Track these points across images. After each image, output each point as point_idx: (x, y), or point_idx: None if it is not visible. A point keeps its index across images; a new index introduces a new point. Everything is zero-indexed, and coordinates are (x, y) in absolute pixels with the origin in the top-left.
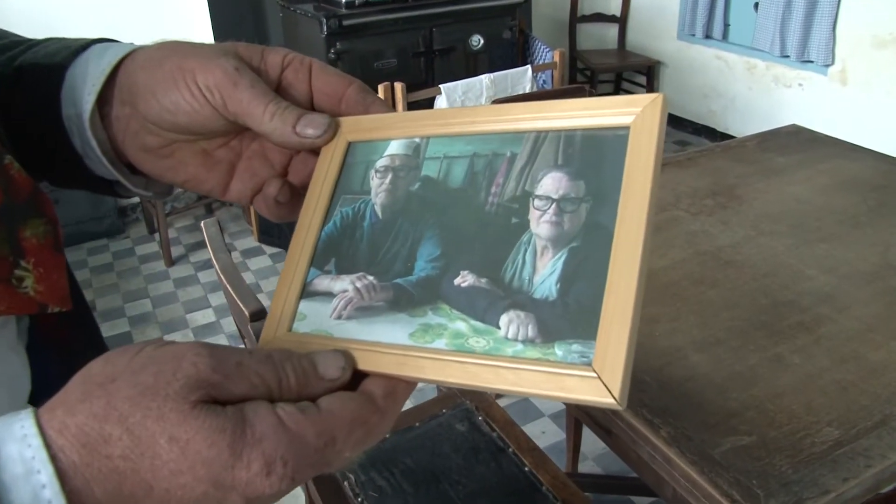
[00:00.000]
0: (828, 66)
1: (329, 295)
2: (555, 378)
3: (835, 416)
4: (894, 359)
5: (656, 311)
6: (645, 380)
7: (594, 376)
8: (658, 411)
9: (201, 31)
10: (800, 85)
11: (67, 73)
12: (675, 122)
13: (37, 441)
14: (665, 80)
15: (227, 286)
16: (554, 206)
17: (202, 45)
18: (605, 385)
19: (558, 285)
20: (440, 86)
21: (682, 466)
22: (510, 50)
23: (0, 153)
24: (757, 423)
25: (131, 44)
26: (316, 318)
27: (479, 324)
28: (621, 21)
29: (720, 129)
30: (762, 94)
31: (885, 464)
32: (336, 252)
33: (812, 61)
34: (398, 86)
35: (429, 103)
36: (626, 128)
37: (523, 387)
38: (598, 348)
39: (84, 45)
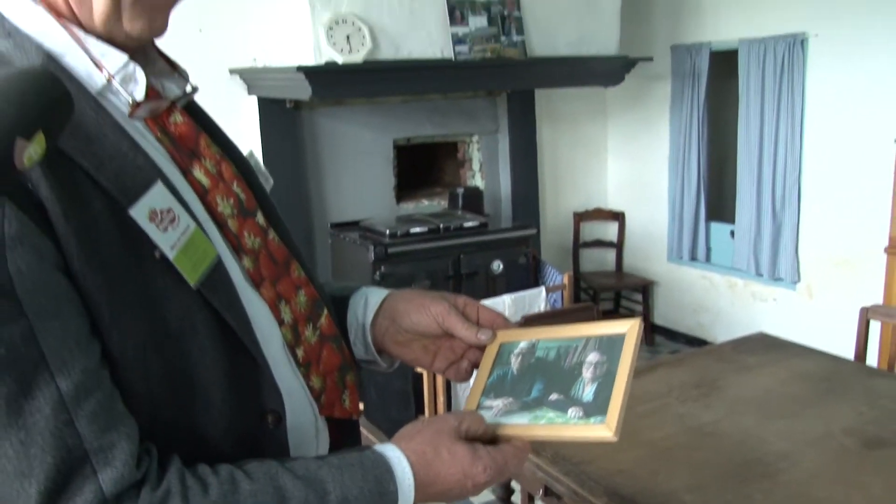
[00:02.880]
0: (795, 282)
1: (490, 408)
2: (587, 427)
3: None
4: (835, 497)
5: (656, 467)
6: None
7: (605, 425)
8: None
9: None
10: (774, 300)
11: (350, 301)
12: (669, 335)
13: (398, 451)
14: (659, 298)
15: None
16: (593, 366)
17: (428, 292)
18: (609, 429)
19: (592, 397)
20: None
21: None
22: (525, 273)
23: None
24: None
25: (389, 290)
26: (486, 414)
27: (560, 413)
28: (618, 246)
29: (709, 339)
30: (743, 307)
31: None
32: (494, 388)
33: (782, 279)
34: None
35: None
36: (623, 334)
37: (575, 433)
38: (607, 419)
39: (358, 287)
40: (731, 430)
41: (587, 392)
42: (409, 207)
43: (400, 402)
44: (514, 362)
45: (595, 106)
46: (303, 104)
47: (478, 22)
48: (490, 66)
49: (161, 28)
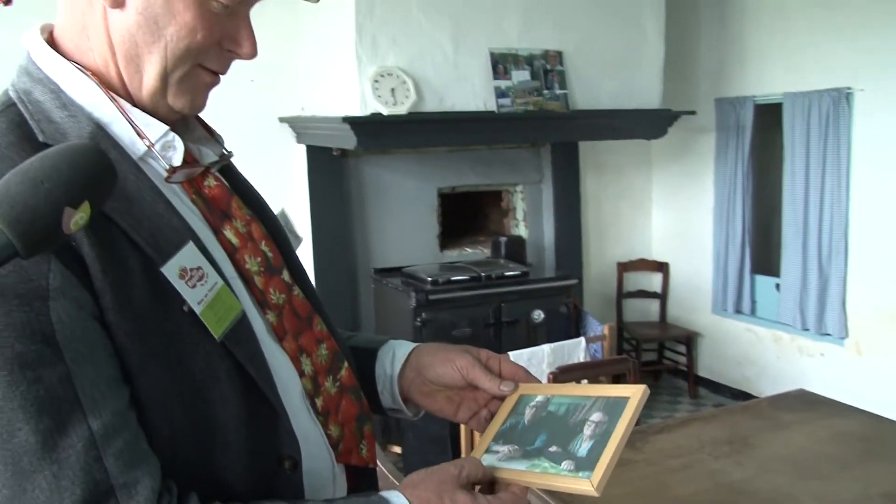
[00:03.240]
0: (843, 338)
1: (497, 452)
2: (574, 480)
3: None
4: None
5: None
6: None
7: (589, 480)
8: None
9: None
10: (822, 355)
11: (379, 353)
12: (713, 388)
13: (403, 498)
14: (703, 350)
15: None
16: (594, 425)
17: (453, 345)
18: (591, 484)
19: (586, 453)
20: (508, 353)
21: None
22: (566, 323)
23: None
24: None
25: (415, 343)
26: (491, 458)
27: (555, 465)
28: (662, 297)
29: (755, 393)
30: (789, 362)
31: None
32: (504, 435)
33: (829, 334)
34: None
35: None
36: (627, 397)
37: (563, 484)
38: (593, 475)
39: (385, 340)
40: (763, 489)
41: (583, 448)
42: (452, 255)
43: (437, 446)
44: (528, 413)
45: (640, 157)
46: (349, 152)
47: (521, 76)
48: (532, 119)
49: (201, 106)
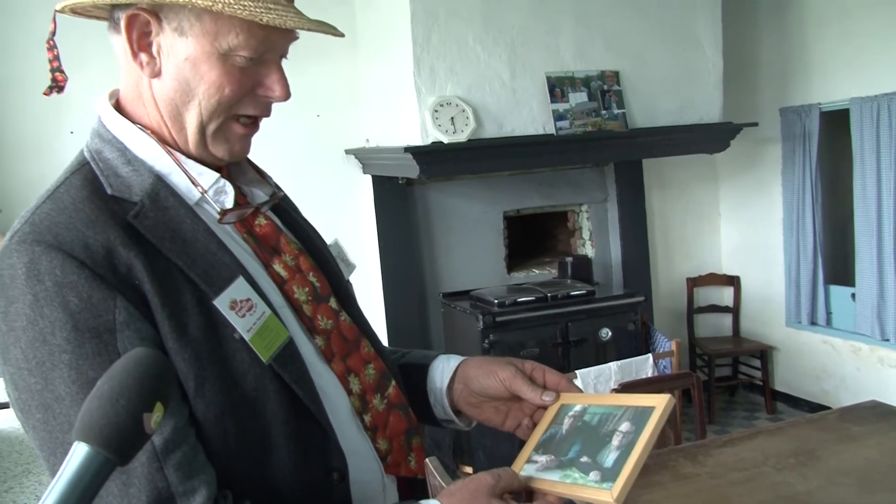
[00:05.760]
0: None
1: (536, 462)
2: (598, 491)
3: None
4: None
5: None
6: None
7: (610, 492)
8: None
9: (378, 321)
10: None
11: (430, 367)
12: (791, 402)
13: None
14: (778, 363)
15: None
16: (622, 435)
17: (498, 358)
18: (611, 496)
19: (612, 464)
20: (576, 371)
21: None
22: (634, 340)
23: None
24: None
25: (463, 357)
26: (530, 468)
27: (584, 475)
28: (734, 311)
29: (835, 406)
30: (870, 374)
31: None
32: (543, 445)
33: None
34: None
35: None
36: (653, 407)
37: (588, 495)
38: (614, 486)
39: (436, 355)
40: (827, 502)
41: (610, 458)
42: (519, 277)
43: (507, 464)
44: (566, 423)
45: (705, 171)
46: (414, 180)
47: (578, 97)
48: (591, 140)
49: (241, 152)
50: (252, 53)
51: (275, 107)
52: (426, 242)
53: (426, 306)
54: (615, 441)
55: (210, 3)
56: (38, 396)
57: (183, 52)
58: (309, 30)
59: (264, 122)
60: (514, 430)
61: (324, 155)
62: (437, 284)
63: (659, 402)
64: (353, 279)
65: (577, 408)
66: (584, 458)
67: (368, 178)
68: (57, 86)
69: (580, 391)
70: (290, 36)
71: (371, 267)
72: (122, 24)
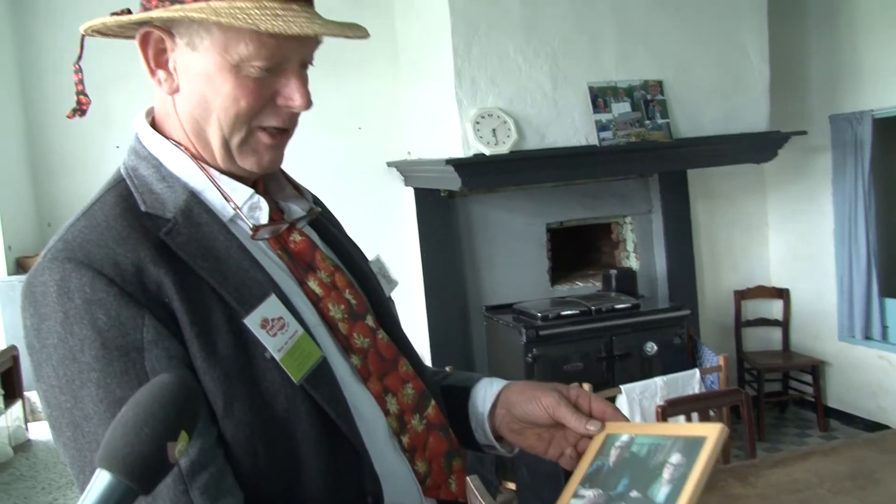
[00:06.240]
0: None
1: (582, 497)
2: None
3: None
4: None
5: None
6: None
7: None
8: None
9: (420, 334)
10: None
11: (472, 391)
12: (846, 420)
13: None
14: (831, 379)
15: None
16: (673, 468)
17: (542, 383)
18: None
19: (664, 499)
20: (620, 386)
21: None
22: (680, 355)
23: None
24: None
25: (506, 381)
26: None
27: None
28: (784, 325)
29: (893, 425)
30: None
31: None
32: (590, 479)
33: None
34: (585, 386)
35: (610, 402)
36: (705, 437)
37: None
38: None
39: (479, 378)
40: None
41: (661, 493)
42: (563, 289)
43: (551, 482)
44: (613, 455)
45: (752, 181)
46: (457, 192)
47: (621, 108)
48: (635, 151)
49: (271, 163)
50: (265, 63)
51: (316, 120)
52: (468, 255)
53: (469, 320)
54: (666, 474)
55: (207, 15)
56: (68, 414)
57: (196, 66)
58: (320, 34)
59: (307, 137)
60: (557, 458)
61: (366, 168)
62: (479, 297)
63: (711, 432)
64: (395, 292)
65: (624, 438)
66: (634, 493)
67: (410, 190)
68: (80, 109)
69: (626, 419)
70: (307, 42)
71: (414, 279)
72: (137, 41)
